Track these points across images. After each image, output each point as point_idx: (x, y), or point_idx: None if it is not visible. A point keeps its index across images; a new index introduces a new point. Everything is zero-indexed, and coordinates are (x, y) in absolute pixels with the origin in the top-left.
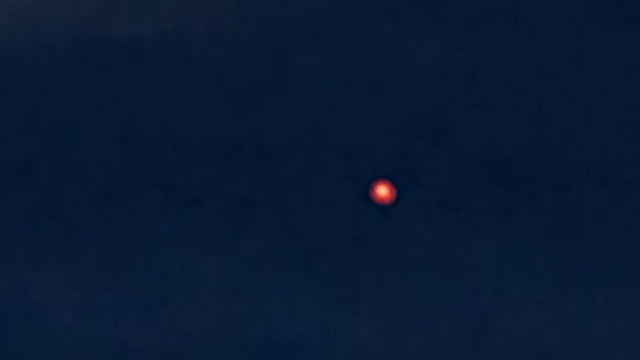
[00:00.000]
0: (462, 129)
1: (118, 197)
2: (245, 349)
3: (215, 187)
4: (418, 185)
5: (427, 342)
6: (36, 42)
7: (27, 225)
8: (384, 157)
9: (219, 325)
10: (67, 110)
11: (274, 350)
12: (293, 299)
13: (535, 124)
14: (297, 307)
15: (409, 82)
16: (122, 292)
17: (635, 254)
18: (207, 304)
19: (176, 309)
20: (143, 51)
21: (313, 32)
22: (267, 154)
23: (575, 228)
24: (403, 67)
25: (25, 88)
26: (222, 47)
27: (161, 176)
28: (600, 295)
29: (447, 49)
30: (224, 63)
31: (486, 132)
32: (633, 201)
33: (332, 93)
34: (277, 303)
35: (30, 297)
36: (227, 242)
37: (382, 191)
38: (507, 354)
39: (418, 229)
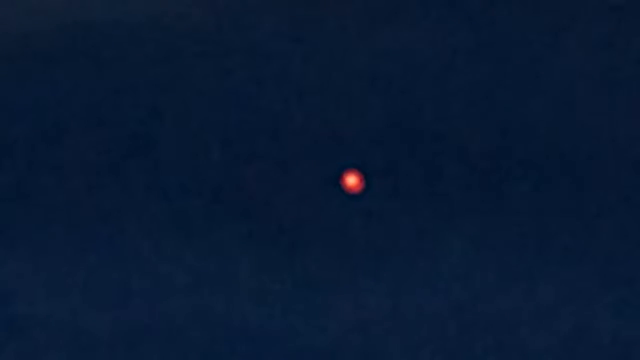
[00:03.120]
0: (434, 121)
1: (88, 185)
2: (220, 338)
3: (186, 177)
4: (390, 175)
5: (402, 334)
6: (12, 30)
7: None
8: (355, 147)
9: (192, 313)
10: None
11: (248, 341)
12: (267, 289)
13: (507, 118)
14: (272, 297)
15: (383, 73)
16: (90, 278)
17: (604, 246)
18: (180, 291)
19: (149, 297)
20: (122, 38)
21: (289, 24)
22: (238, 144)
23: (548, 221)
24: (378, 58)
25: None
26: (194, 36)
27: (132, 164)
28: (570, 287)
29: (422, 42)
30: (196, 52)
31: (459, 125)
32: (601, 196)
33: (304, 84)
34: (252, 293)
35: None
36: (200, 230)
37: (351, 180)
38: (482, 344)
39: (391, 219)
